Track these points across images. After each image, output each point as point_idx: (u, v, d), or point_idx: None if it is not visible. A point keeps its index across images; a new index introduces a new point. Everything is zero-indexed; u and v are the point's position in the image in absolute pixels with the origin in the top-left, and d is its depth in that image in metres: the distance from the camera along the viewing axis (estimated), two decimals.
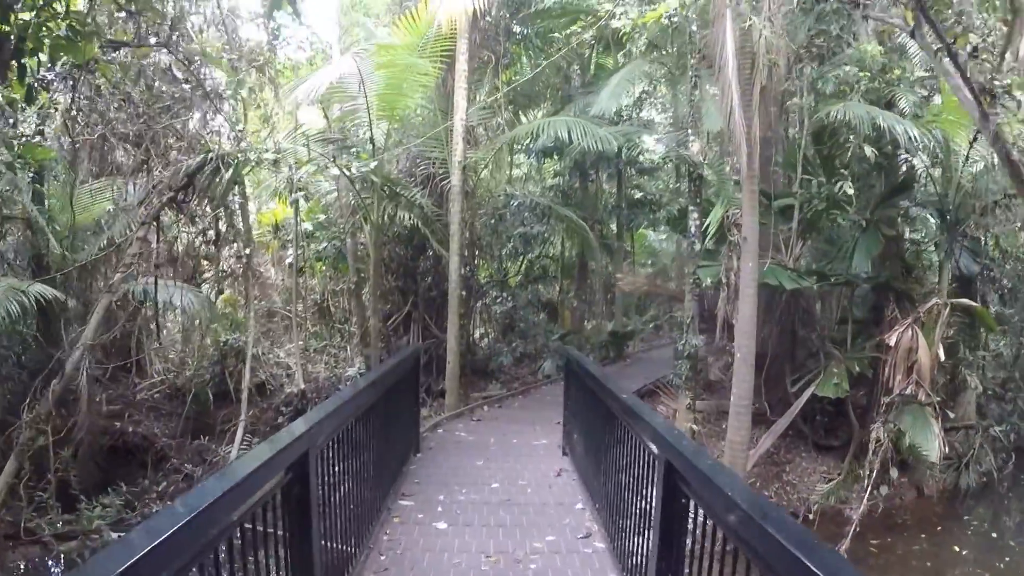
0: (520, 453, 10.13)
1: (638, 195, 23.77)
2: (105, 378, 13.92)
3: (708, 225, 11.64)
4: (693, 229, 12.61)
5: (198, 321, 15.37)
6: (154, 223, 11.86)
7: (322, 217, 17.19)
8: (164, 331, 17.68)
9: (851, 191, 11.57)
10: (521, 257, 19.46)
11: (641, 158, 20.93)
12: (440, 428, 11.83)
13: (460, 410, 13.20)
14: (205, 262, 19.30)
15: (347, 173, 12.46)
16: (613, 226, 23.24)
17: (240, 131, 12.03)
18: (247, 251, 16.32)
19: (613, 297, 23.90)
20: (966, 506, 13.67)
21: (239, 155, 11.15)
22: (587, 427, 7.92)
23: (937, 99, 12.36)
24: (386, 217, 14.46)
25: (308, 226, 17.95)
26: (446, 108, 14.49)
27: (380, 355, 15.83)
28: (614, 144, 13.63)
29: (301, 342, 16.25)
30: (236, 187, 11.84)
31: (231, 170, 11.11)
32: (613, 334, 21.48)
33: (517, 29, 17.87)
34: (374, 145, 12.62)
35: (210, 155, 11.22)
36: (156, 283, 12.58)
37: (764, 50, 10.34)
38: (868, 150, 11.33)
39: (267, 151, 11.32)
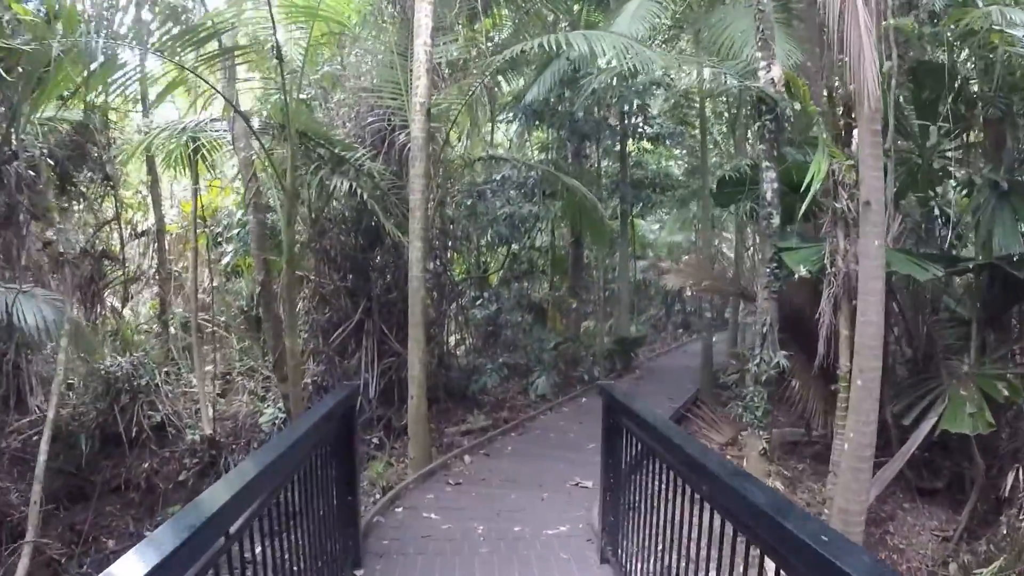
0: (528, 559, 6.26)
1: (638, 174, 19.95)
2: None
3: (810, 183, 7.80)
4: (769, 195, 8.81)
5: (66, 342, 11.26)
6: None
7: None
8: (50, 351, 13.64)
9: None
10: (505, 247, 15.57)
11: (647, 128, 17.01)
12: (400, 503, 7.91)
13: (431, 466, 9.31)
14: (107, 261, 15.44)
15: (230, 99, 8.49)
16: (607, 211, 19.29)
17: None
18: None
19: (615, 295, 20.10)
20: None
21: None
22: (655, 527, 4.68)
23: None
24: (323, 191, 10.56)
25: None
26: (406, 50, 10.54)
27: (323, 381, 11.98)
28: (657, 66, 9.70)
29: (213, 367, 12.32)
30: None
31: None
32: (620, 341, 17.68)
33: None
34: (282, 62, 8.50)
35: None
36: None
37: None
38: None
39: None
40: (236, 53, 9.19)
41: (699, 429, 12.49)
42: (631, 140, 17.33)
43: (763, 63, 8.82)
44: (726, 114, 19.08)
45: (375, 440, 11.31)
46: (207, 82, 8.79)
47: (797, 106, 9.22)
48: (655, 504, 4.60)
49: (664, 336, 25.39)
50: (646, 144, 18.83)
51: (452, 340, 15.71)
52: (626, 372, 17.60)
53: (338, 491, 5.22)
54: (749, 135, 15.34)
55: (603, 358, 16.98)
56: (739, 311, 19.88)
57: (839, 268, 8.37)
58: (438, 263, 13.67)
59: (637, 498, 5.20)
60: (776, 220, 9.03)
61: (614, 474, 6.04)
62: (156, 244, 15.53)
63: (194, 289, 11.84)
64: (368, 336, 12.19)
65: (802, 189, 7.94)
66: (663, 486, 4.42)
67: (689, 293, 30.15)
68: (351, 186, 10.37)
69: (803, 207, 8.27)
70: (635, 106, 15.52)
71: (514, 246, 15.91)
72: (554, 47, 8.96)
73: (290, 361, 9.03)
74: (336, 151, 10.32)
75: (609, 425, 6.21)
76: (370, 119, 11.31)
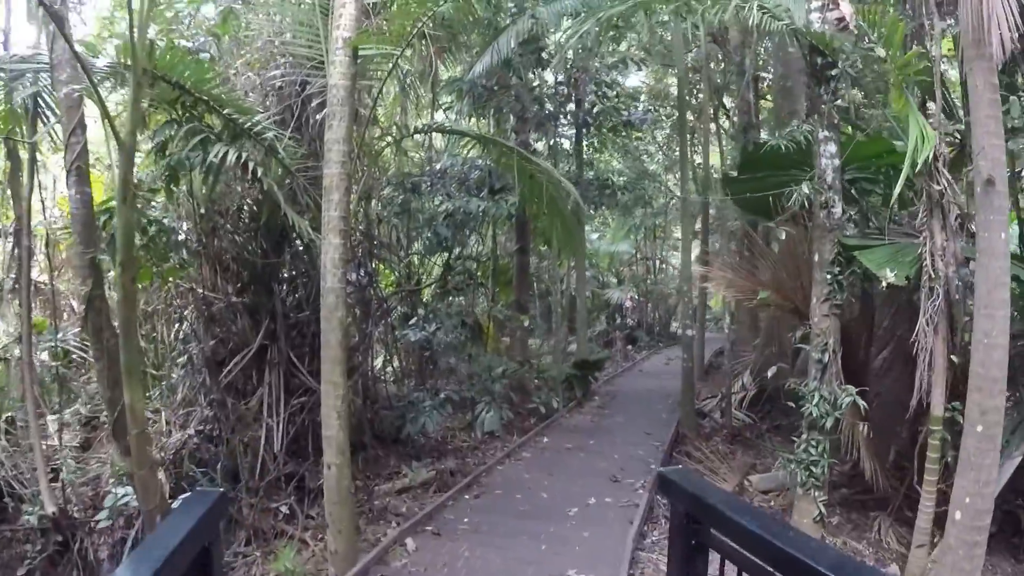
0: None
1: (587, 175, 17.61)
2: None
3: (918, 149, 5.52)
4: (830, 175, 6.53)
5: None
6: None
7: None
8: None
9: None
10: (444, 254, 12.99)
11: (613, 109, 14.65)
12: None
13: (360, 566, 6.63)
14: None
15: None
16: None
17: None
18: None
19: (565, 311, 17.69)
20: None
21: None
22: None
23: None
24: (213, 174, 7.83)
25: None
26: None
27: (212, 430, 9.26)
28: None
29: (54, 417, 9.44)
30: None
31: None
32: (580, 364, 15.25)
33: None
34: None
35: None
36: None
37: None
38: None
39: None
40: None
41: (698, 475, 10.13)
42: (591, 131, 14.92)
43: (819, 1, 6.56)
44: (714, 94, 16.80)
45: (283, 509, 8.55)
46: None
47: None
48: None
49: (614, 354, 23.14)
50: (608, 136, 16.41)
51: (381, 366, 13.08)
52: (586, 400, 15.20)
53: None
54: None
55: (562, 385, 14.50)
56: (704, 325, 17.74)
57: (941, 272, 6.07)
58: (362, 273, 11.03)
59: None
60: (839, 209, 6.74)
61: None
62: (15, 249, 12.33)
63: (26, 303, 8.81)
64: (272, 368, 9.43)
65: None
66: None
67: (629, 304, 28.16)
68: (249, 165, 7.61)
69: (898, 189, 5.97)
70: (601, 85, 13.14)
71: (454, 252, 13.33)
72: None
73: (131, 426, 6.02)
74: (228, 115, 7.57)
75: (689, 545, 3.69)
76: (276, 76, 8.60)
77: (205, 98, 7.39)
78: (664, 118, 17.55)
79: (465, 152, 11.86)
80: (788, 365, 13.98)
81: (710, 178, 15.88)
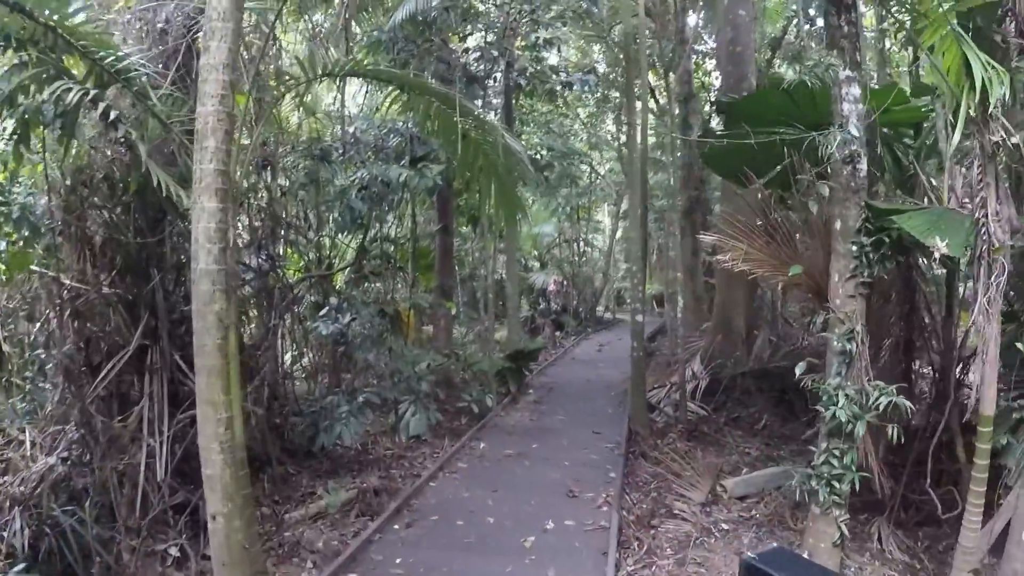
0: None
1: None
2: None
3: (988, 88, 4.33)
4: (854, 125, 5.34)
5: None
6: None
7: None
8: None
9: None
10: (359, 233, 11.42)
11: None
12: None
13: None
14: None
15: None
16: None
17: None
18: None
19: (494, 295, 16.26)
20: None
21: None
22: None
23: None
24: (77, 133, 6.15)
25: None
26: None
27: (81, 456, 7.59)
28: None
29: None
30: None
31: None
32: (514, 356, 13.90)
33: None
34: None
35: None
36: None
37: None
38: None
39: None
40: None
41: (663, 484, 8.98)
42: (521, 96, 13.52)
43: None
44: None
45: (172, 552, 6.92)
46: None
47: None
48: None
49: (535, 341, 21.90)
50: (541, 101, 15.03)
51: (291, 363, 11.49)
52: (521, 395, 13.87)
53: None
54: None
55: (497, 379, 13.13)
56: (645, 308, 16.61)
57: (1002, 243, 4.94)
58: (264, 257, 9.44)
59: None
60: (864, 167, 5.53)
61: None
62: None
63: None
64: (154, 374, 7.75)
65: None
66: None
67: (553, 288, 27.04)
68: (116, 119, 5.94)
69: (955, 140, 4.84)
70: (532, 48, 11.74)
71: (366, 234, 11.76)
72: None
73: None
74: (92, 54, 5.87)
75: None
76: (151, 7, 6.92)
77: (62, 31, 5.69)
78: (591, 89, 16.26)
79: (384, 110, 10.28)
80: (744, 352, 13.00)
81: (647, 153, 14.69)
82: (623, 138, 28.09)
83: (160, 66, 7.58)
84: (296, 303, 10.93)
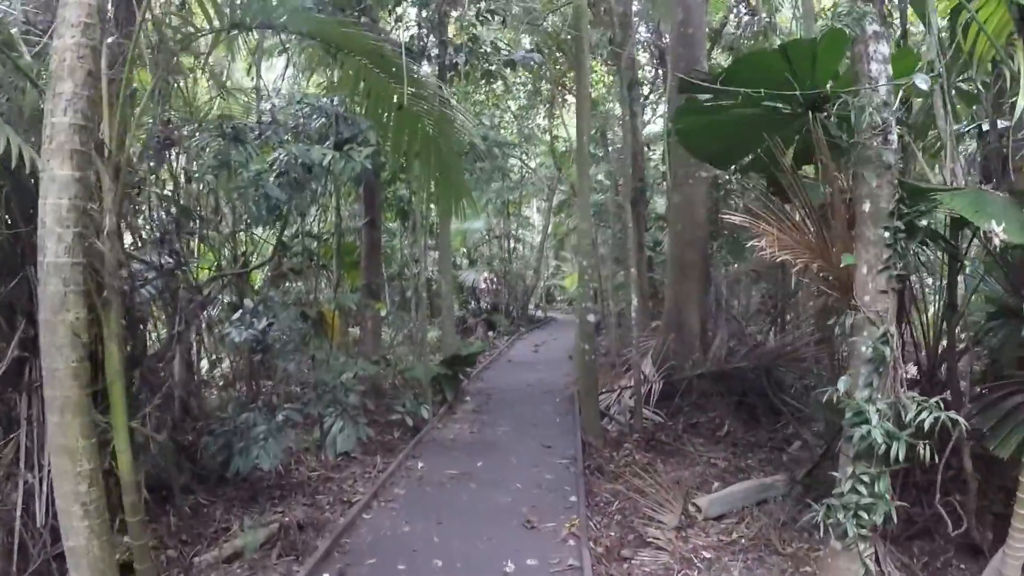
0: None
1: None
2: None
3: None
4: (884, 87, 4.46)
5: None
6: None
7: None
8: None
9: None
10: (279, 225, 10.18)
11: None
12: None
13: None
14: None
15: None
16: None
17: None
18: None
19: (424, 295, 15.12)
20: None
21: None
22: None
23: None
24: None
25: None
26: None
27: None
28: None
29: None
30: None
31: None
32: (451, 361, 12.80)
33: None
34: None
35: None
36: None
37: None
38: None
39: None
40: None
41: (628, 505, 8.05)
42: (458, 77, 12.38)
43: None
44: None
45: None
46: None
47: None
48: None
49: (470, 343, 20.85)
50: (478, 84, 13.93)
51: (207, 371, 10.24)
52: (458, 403, 12.77)
53: None
54: None
55: (433, 387, 12.00)
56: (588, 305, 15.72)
57: None
58: (166, 253, 8.19)
59: None
60: (895, 137, 4.65)
61: None
62: None
63: None
64: (34, 394, 6.44)
65: None
66: None
67: (483, 286, 26.13)
68: None
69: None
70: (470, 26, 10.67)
71: (285, 225, 10.50)
72: None
73: None
74: None
75: None
76: None
77: None
78: (535, 68, 15.29)
79: (306, 81, 9.08)
80: (700, 351, 12.17)
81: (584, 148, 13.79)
82: (558, 131, 27.46)
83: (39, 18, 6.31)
84: (207, 306, 9.66)
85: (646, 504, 7.93)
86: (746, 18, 17.06)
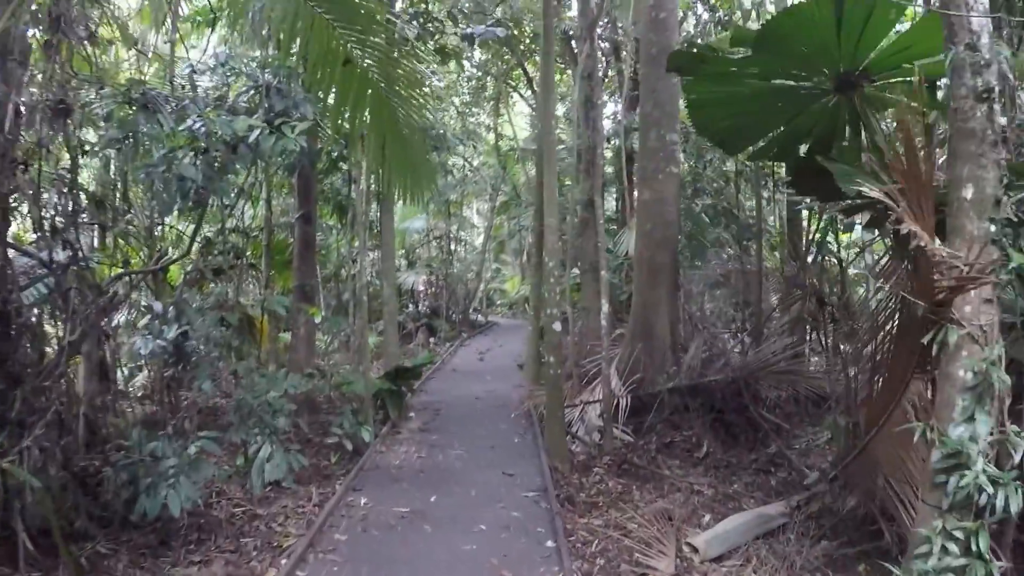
0: None
1: None
2: None
3: None
4: (986, 42, 3.53)
5: None
6: None
7: None
8: None
9: None
10: (197, 214, 8.75)
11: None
12: None
13: None
14: None
15: None
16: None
17: None
18: None
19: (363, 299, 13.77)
20: None
21: None
22: None
23: None
24: None
25: None
26: None
27: None
28: None
29: None
30: None
31: None
32: (395, 374, 11.46)
33: None
34: None
35: None
36: None
37: None
38: None
39: None
40: None
41: (610, 545, 6.87)
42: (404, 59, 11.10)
43: None
44: None
45: None
46: None
47: None
48: None
49: (416, 349, 19.54)
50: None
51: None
52: (402, 421, 11.40)
53: None
54: None
55: (376, 404, 10.66)
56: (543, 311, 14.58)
57: None
58: (58, 244, 6.76)
59: None
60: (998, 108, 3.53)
61: None
62: None
63: None
64: None
65: None
66: None
67: (422, 289, 24.94)
68: None
69: None
70: None
71: (203, 215, 9.06)
72: None
73: None
74: None
75: None
76: None
77: None
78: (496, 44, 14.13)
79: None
80: (671, 363, 11.08)
81: (551, 132, 12.64)
82: (503, 128, 26.54)
83: None
84: (110, 310, 8.18)
85: (631, 544, 6.76)
86: (705, 15, 16.30)
